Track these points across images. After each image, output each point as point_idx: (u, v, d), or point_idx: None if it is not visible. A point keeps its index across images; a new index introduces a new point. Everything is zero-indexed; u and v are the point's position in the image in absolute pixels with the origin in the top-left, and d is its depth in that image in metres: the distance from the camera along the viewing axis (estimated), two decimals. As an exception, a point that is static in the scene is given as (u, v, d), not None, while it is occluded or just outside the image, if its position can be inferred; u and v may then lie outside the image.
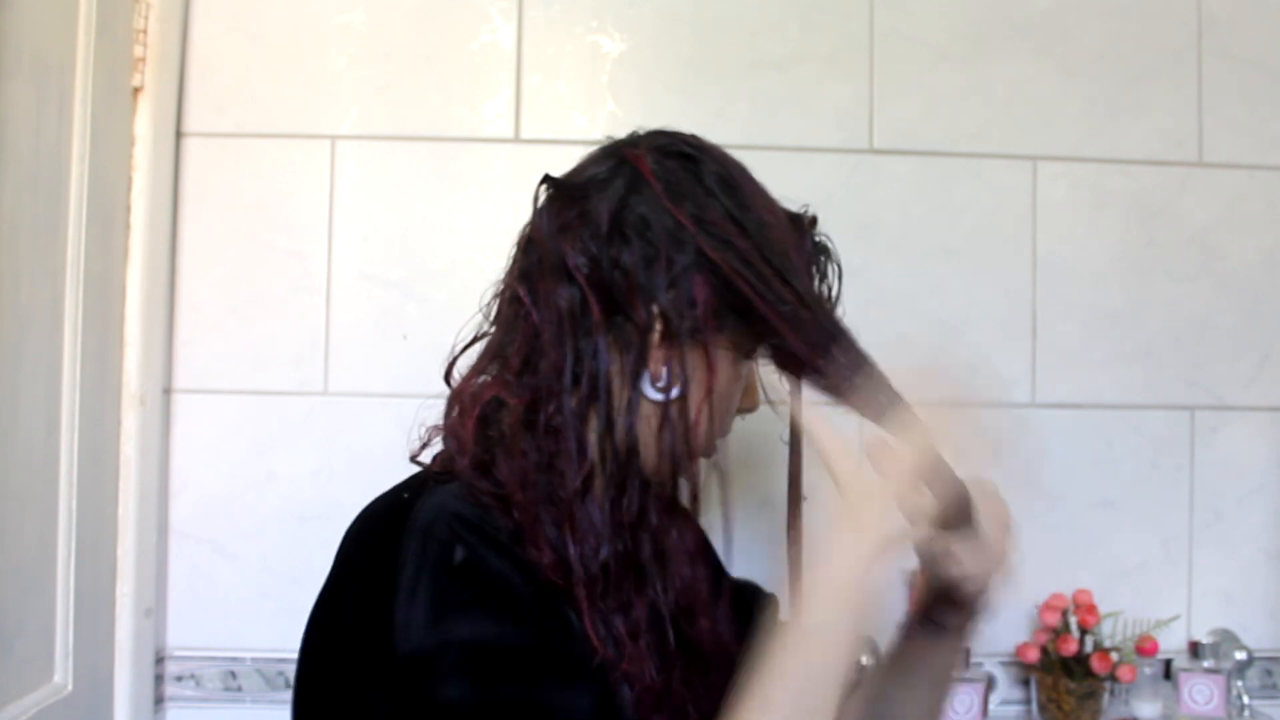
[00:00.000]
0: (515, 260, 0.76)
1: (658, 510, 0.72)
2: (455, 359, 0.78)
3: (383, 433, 1.30)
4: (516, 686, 0.61)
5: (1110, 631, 1.30)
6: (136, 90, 1.21)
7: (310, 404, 1.31)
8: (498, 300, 0.77)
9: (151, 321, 1.24)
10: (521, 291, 0.73)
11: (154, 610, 1.25)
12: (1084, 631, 1.27)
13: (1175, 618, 1.33)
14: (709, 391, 0.72)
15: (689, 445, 0.72)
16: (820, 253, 0.77)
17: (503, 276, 0.77)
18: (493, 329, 0.77)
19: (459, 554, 0.63)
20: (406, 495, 0.70)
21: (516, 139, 1.33)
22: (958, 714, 1.25)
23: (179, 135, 1.30)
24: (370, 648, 0.63)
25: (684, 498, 0.76)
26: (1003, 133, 1.36)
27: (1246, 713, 1.28)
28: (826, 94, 1.34)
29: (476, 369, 0.75)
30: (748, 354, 0.76)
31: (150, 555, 1.24)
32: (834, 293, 0.78)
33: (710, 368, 0.71)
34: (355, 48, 1.33)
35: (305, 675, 0.72)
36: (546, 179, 0.76)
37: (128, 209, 1.21)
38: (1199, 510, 1.36)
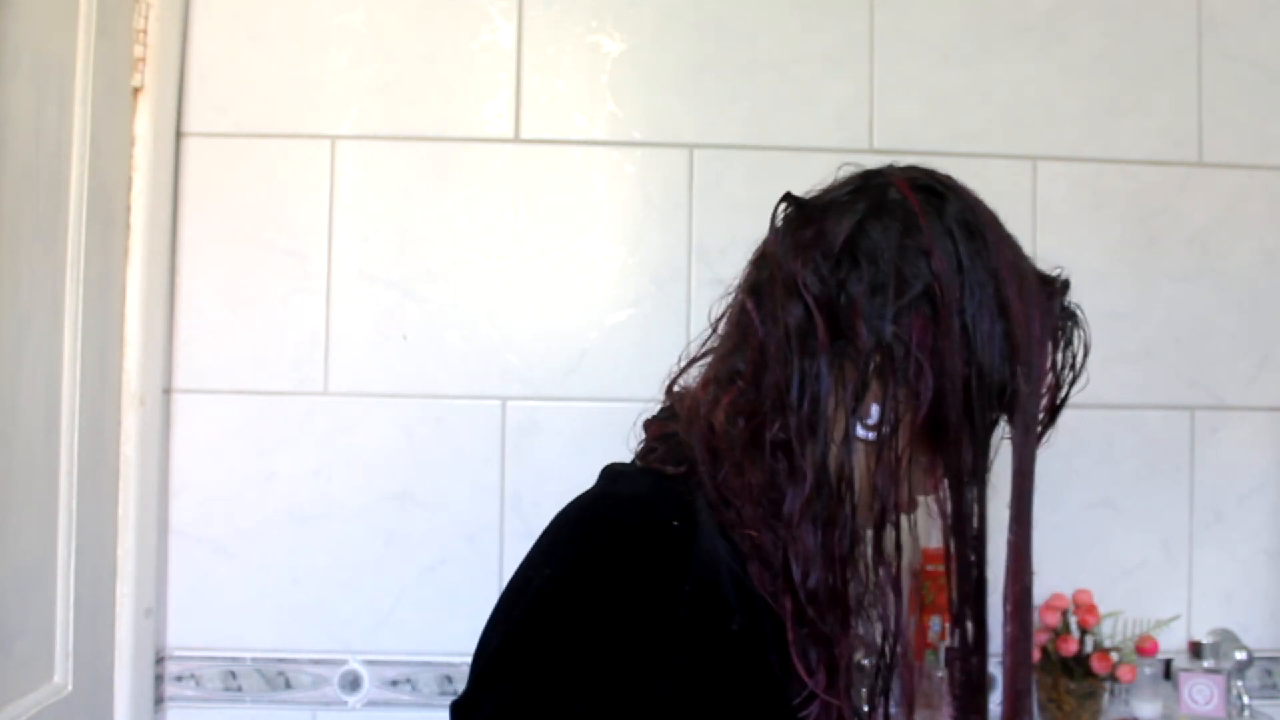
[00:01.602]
0: (747, 274, 0.75)
1: (871, 550, 0.70)
2: (684, 369, 0.77)
3: (383, 433, 1.31)
4: None
5: (1110, 631, 1.30)
6: (136, 90, 1.22)
7: (310, 404, 1.31)
8: (727, 312, 0.76)
9: (151, 321, 1.24)
10: (750, 305, 0.72)
11: (154, 610, 1.25)
12: (1084, 631, 1.27)
13: (1175, 618, 1.33)
14: (913, 442, 0.69)
15: (897, 492, 0.69)
16: (1067, 319, 0.74)
17: (733, 289, 0.76)
18: (719, 340, 0.76)
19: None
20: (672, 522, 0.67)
21: (516, 139, 1.33)
22: (958, 714, 1.24)
23: (179, 135, 1.30)
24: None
25: (887, 546, 0.70)
26: (1003, 133, 1.35)
27: (1246, 713, 1.28)
28: (826, 94, 1.34)
29: (705, 379, 0.74)
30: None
31: (150, 555, 1.24)
32: (1076, 365, 0.75)
33: (919, 416, 0.68)
34: (355, 48, 1.33)
35: None
36: (788, 196, 0.74)
37: (128, 209, 1.21)
38: (1199, 510, 1.36)
